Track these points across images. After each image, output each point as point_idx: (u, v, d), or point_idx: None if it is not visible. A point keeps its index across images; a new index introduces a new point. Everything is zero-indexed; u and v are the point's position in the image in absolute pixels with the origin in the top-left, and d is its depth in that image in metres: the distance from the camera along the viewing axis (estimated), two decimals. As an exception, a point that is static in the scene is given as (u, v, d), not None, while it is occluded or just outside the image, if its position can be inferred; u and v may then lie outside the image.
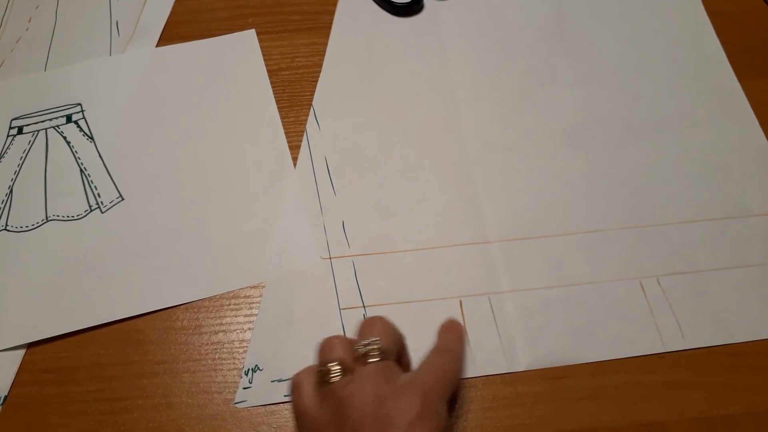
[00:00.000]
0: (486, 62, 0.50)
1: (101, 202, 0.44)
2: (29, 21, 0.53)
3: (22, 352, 0.39)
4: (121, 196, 0.45)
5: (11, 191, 0.45)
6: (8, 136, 0.47)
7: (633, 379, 0.37)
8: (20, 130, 0.48)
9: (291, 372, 0.36)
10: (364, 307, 0.40)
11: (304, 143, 0.46)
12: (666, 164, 0.44)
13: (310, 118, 0.47)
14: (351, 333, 0.38)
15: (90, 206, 0.44)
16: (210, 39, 0.52)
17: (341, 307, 0.40)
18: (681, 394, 0.36)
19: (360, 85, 0.49)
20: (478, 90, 0.49)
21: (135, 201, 0.44)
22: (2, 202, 0.44)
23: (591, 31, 0.51)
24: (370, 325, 0.32)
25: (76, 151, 0.47)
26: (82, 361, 0.38)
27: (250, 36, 0.53)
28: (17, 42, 0.52)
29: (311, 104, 0.48)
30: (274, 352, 0.38)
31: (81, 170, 0.46)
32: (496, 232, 0.42)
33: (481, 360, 0.38)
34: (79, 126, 0.48)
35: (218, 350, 0.39)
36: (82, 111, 0.49)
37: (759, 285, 0.39)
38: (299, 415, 0.30)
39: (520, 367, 0.37)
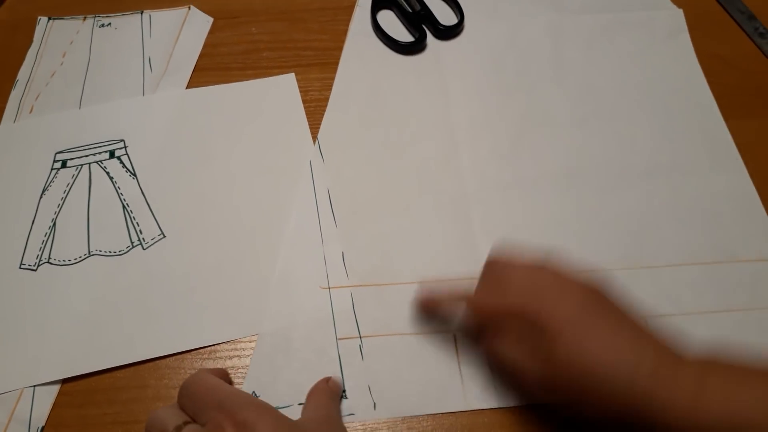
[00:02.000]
0: (486, 103, 0.49)
1: (143, 239, 0.43)
2: (63, 56, 0.53)
3: (58, 384, 0.38)
4: (162, 233, 0.43)
5: (54, 224, 0.43)
6: (52, 169, 0.46)
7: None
8: (64, 164, 0.46)
9: (288, 399, 0.36)
10: (360, 337, 0.39)
11: (307, 175, 0.45)
12: (657, 209, 0.43)
13: (315, 151, 0.47)
14: (346, 364, 0.38)
15: (132, 242, 0.43)
16: (251, 81, 0.51)
17: (338, 336, 0.39)
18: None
19: (364, 121, 0.48)
20: (477, 130, 0.47)
21: (176, 239, 0.43)
22: (45, 235, 0.43)
23: (588, 76, 0.50)
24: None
25: (118, 187, 0.45)
26: (99, 384, 0.38)
27: (289, 79, 0.51)
28: (52, 76, 0.51)
29: (317, 138, 0.47)
30: (271, 379, 0.37)
31: (123, 206, 0.44)
32: None
33: (473, 395, 0.36)
34: (122, 162, 0.46)
35: (233, 375, 0.38)
36: (125, 147, 0.47)
37: (743, 329, 0.38)
38: None
39: (511, 402, 0.36)
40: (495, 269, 0.34)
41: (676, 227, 0.42)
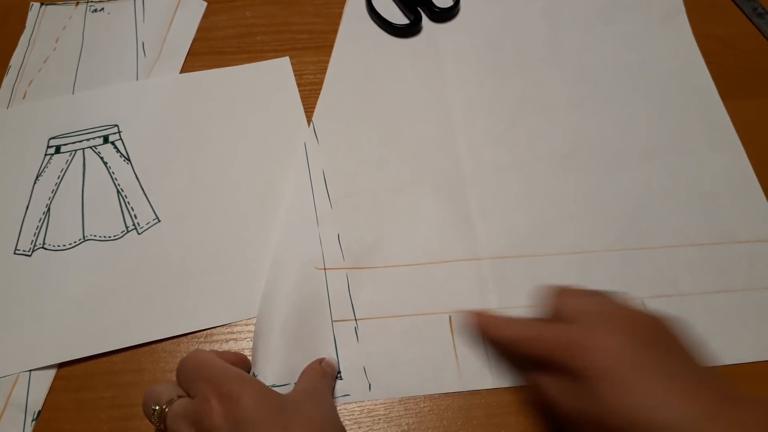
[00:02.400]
0: (482, 86, 0.48)
1: (138, 223, 0.42)
2: (56, 41, 0.52)
3: (54, 369, 0.37)
4: (157, 217, 0.43)
5: (49, 210, 0.43)
6: (46, 154, 0.46)
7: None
8: (58, 149, 0.46)
9: (284, 378, 0.36)
10: (355, 320, 0.38)
11: (302, 156, 0.45)
12: (654, 190, 0.43)
13: (310, 132, 0.46)
14: (341, 346, 0.37)
15: (127, 227, 0.42)
16: (245, 65, 0.50)
17: (333, 318, 0.38)
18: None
19: (359, 103, 0.47)
20: (473, 112, 0.47)
21: (171, 223, 0.42)
22: (40, 221, 0.43)
23: (585, 58, 0.49)
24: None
25: (113, 172, 0.45)
26: (95, 368, 0.37)
27: (284, 63, 0.50)
28: (45, 62, 0.51)
29: (311, 120, 0.46)
30: (267, 358, 0.37)
31: (118, 191, 0.44)
32: (488, 249, 0.40)
33: (468, 375, 0.36)
34: (115, 147, 0.46)
35: (228, 358, 0.38)
36: (119, 132, 0.46)
37: (742, 310, 0.38)
38: None
39: (505, 383, 0.36)
40: (552, 301, 0.33)
41: (674, 208, 0.42)
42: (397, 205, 0.42)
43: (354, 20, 0.52)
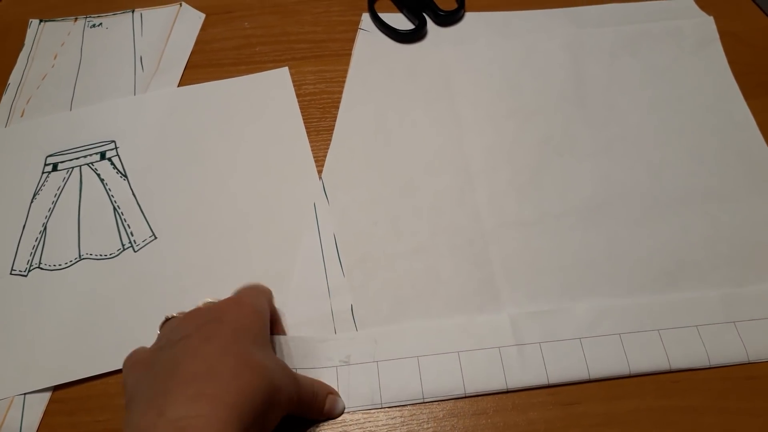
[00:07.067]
0: (501, 130, 0.46)
1: (134, 241, 0.42)
2: (55, 58, 0.53)
3: (49, 392, 0.37)
4: (153, 234, 0.42)
5: (45, 229, 0.43)
6: (43, 173, 0.46)
7: (647, 404, 0.34)
8: (55, 167, 0.46)
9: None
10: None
11: (312, 219, 0.42)
12: (694, 243, 0.40)
13: (319, 191, 0.44)
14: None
15: (123, 245, 0.42)
16: (244, 77, 0.50)
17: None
18: (697, 419, 0.33)
19: (371, 154, 0.45)
20: (493, 160, 0.44)
21: (168, 240, 0.42)
22: (36, 240, 0.43)
23: (611, 95, 0.47)
24: None
25: (109, 189, 0.45)
26: (91, 391, 0.37)
27: (283, 73, 0.50)
28: (43, 79, 0.51)
29: (321, 176, 0.44)
30: None
31: (114, 208, 0.44)
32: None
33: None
34: (112, 163, 0.46)
35: (224, 377, 0.37)
36: (116, 148, 0.47)
37: None
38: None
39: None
40: None
41: (715, 263, 0.39)
42: (415, 270, 0.40)
43: (363, 63, 0.50)
